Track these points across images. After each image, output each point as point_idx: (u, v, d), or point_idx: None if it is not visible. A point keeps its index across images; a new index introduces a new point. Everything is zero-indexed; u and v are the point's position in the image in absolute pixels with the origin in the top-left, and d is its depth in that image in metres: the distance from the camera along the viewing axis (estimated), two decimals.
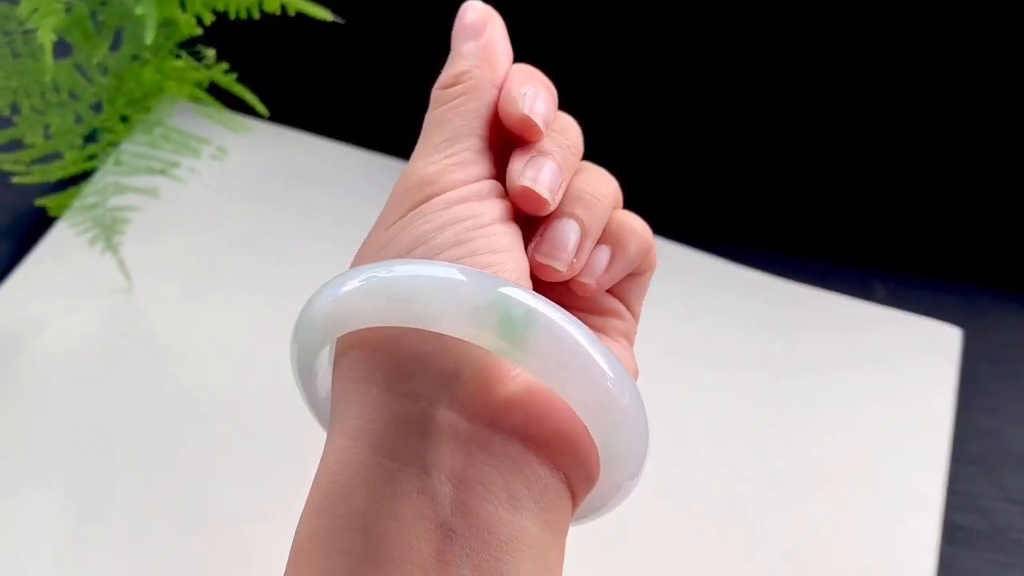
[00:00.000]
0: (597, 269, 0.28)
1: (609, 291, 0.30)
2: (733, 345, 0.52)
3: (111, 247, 0.51)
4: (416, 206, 0.26)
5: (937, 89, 0.54)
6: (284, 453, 0.47)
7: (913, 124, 0.56)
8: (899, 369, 0.52)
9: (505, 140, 0.29)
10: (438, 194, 0.27)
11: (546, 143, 0.28)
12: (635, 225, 0.29)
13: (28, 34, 0.46)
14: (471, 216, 0.26)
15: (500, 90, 0.29)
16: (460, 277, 0.24)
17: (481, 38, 0.29)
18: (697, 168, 0.59)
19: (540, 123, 0.27)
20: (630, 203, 0.30)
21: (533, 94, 0.28)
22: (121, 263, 0.51)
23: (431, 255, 0.25)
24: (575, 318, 0.24)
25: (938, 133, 0.55)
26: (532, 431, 0.24)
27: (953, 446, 0.49)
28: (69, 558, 0.44)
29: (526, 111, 0.27)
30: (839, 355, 0.53)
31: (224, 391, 0.49)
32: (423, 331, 0.24)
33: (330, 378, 0.27)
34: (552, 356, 0.23)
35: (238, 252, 0.55)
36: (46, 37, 0.43)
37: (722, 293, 0.55)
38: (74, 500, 0.46)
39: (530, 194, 0.27)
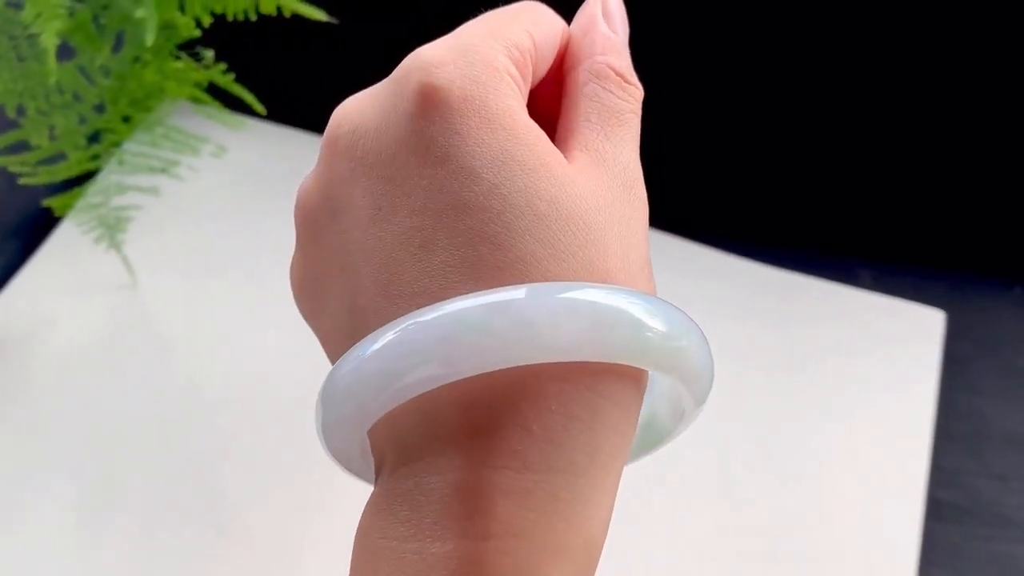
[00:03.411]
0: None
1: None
2: (721, 332, 0.53)
3: (115, 245, 0.52)
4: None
5: (917, 77, 0.55)
6: (290, 444, 0.48)
7: (894, 112, 0.57)
8: (885, 352, 0.53)
9: None
10: None
11: None
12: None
13: (32, 38, 0.47)
14: None
15: None
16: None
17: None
18: (683, 159, 0.60)
19: None
20: None
21: None
22: (125, 260, 0.53)
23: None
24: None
25: (919, 120, 0.56)
26: None
27: (937, 425, 0.51)
28: (80, 550, 0.45)
29: None
30: (826, 339, 0.54)
31: (229, 383, 0.51)
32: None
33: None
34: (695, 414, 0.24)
35: (238, 247, 0.57)
36: (50, 41, 0.44)
37: (709, 281, 0.56)
38: (84, 492, 0.47)
39: None
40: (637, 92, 0.26)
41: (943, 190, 0.58)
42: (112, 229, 0.51)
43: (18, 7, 0.47)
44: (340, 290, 0.24)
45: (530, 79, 0.24)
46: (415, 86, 0.22)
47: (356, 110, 0.24)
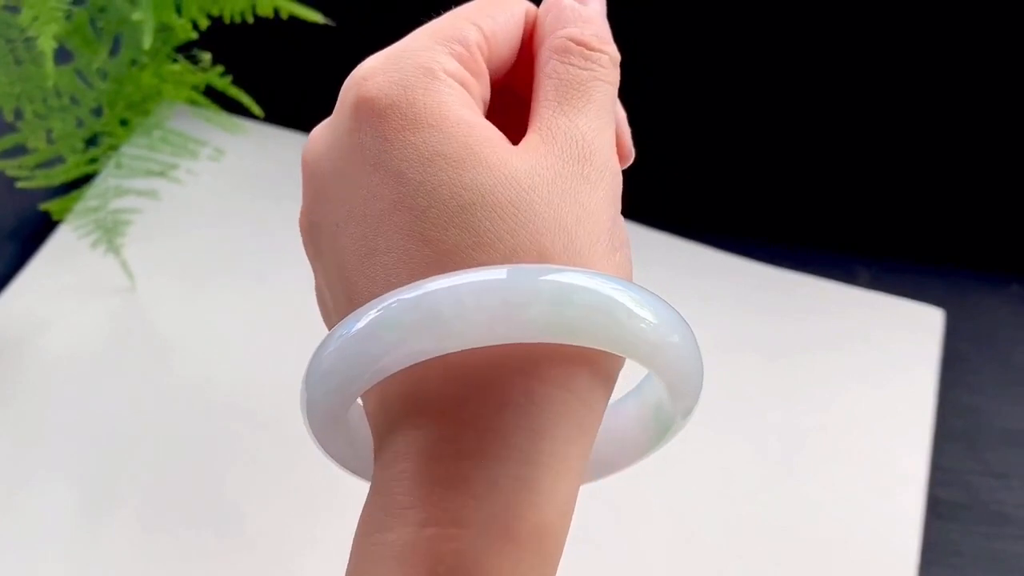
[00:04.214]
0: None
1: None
2: (722, 331, 0.54)
3: (113, 248, 0.52)
4: (619, 215, 0.25)
5: (915, 75, 0.55)
6: (290, 447, 0.48)
7: (892, 110, 0.57)
8: (884, 350, 0.53)
9: None
10: None
11: None
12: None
13: (30, 41, 0.47)
14: None
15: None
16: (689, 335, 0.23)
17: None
18: (682, 158, 0.60)
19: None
20: None
21: None
22: (124, 264, 0.53)
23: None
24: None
25: (917, 119, 0.56)
26: None
27: (936, 423, 0.51)
28: (79, 552, 0.45)
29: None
30: (825, 338, 0.54)
31: (228, 386, 0.51)
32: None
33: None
34: (689, 412, 0.25)
35: (237, 250, 0.57)
36: (47, 44, 0.44)
37: (710, 280, 0.56)
38: (82, 495, 0.47)
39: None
40: (603, 57, 0.25)
41: (941, 188, 0.58)
42: (110, 233, 0.51)
43: (15, 10, 0.47)
44: (329, 307, 0.25)
45: (484, 69, 0.25)
46: (351, 101, 0.24)
47: (315, 135, 0.25)
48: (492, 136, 0.23)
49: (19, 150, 0.50)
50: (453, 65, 0.24)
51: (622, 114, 0.27)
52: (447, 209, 0.22)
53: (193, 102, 0.53)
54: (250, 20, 0.49)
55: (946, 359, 0.53)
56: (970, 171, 0.57)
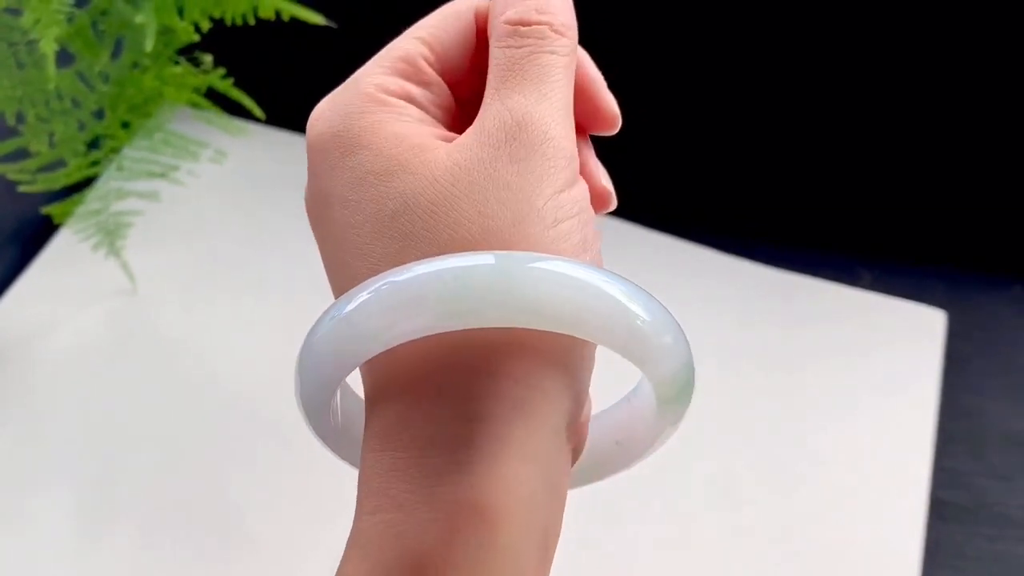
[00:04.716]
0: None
1: None
2: (722, 333, 0.54)
3: (115, 251, 0.52)
4: (567, 188, 0.24)
5: (917, 77, 0.55)
6: (291, 449, 0.48)
7: (894, 112, 0.57)
8: (886, 352, 0.53)
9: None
10: (579, 181, 0.25)
11: None
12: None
13: (31, 44, 0.47)
14: (592, 215, 0.25)
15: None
16: (676, 334, 0.23)
17: None
18: (683, 159, 0.60)
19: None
20: (618, 194, 0.32)
21: None
22: (125, 266, 0.53)
23: (593, 259, 0.24)
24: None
25: (919, 120, 0.56)
26: (581, 438, 0.25)
27: (939, 425, 0.51)
28: (80, 556, 0.45)
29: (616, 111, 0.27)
30: (827, 341, 0.54)
31: (230, 389, 0.51)
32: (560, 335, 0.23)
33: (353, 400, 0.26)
34: (681, 416, 0.25)
35: (239, 252, 0.57)
36: (49, 47, 0.44)
37: (709, 281, 0.56)
38: (84, 499, 0.47)
39: (610, 199, 0.27)
40: (542, 29, 0.25)
41: (943, 190, 0.58)
42: (111, 235, 0.51)
43: (17, 13, 0.47)
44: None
45: (433, 76, 0.26)
46: (307, 144, 0.25)
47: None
48: (424, 143, 0.24)
49: (21, 154, 0.50)
50: (393, 83, 0.25)
51: (594, 75, 0.27)
52: (378, 222, 0.23)
53: (195, 104, 0.53)
54: (252, 22, 0.49)
55: (948, 361, 0.53)
56: (972, 172, 0.57)
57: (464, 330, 0.22)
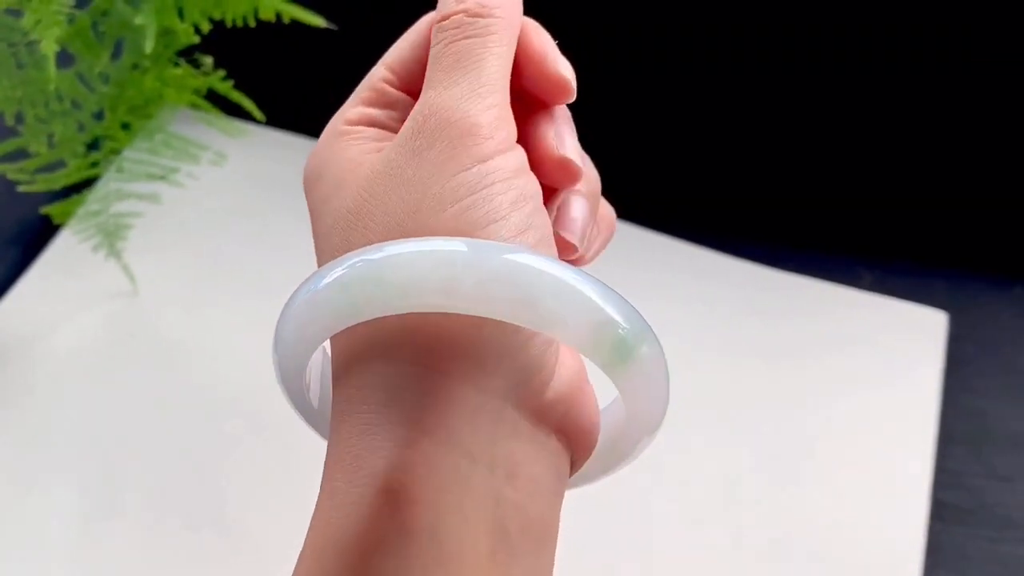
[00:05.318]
0: (593, 250, 0.29)
1: None
2: (724, 333, 0.54)
3: (114, 252, 0.52)
4: (475, 164, 0.24)
5: (917, 77, 0.55)
6: (291, 451, 0.48)
7: (895, 112, 0.57)
8: (887, 353, 0.53)
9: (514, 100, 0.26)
10: (499, 153, 0.24)
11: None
12: (613, 216, 0.30)
13: (32, 45, 0.47)
14: (535, 193, 0.25)
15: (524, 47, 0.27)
16: (583, 286, 0.23)
17: None
18: (683, 160, 0.60)
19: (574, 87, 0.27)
20: (618, 193, 0.31)
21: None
22: (125, 268, 0.53)
23: (509, 236, 0.23)
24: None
25: (919, 120, 0.56)
26: (568, 427, 0.24)
27: (940, 426, 0.51)
28: (81, 557, 0.45)
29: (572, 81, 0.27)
30: (829, 341, 0.54)
31: (230, 390, 0.50)
32: (493, 321, 0.23)
33: (328, 375, 0.27)
34: (645, 385, 0.24)
35: (239, 254, 0.57)
36: (49, 48, 0.44)
37: (709, 282, 0.56)
38: (85, 499, 0.47)
39: (571, 168, 0.27)
40: (457, 17, 0.26)
41: (944, 191, 0.58)
42: (111, 237, 0.51)
43: (17, 14, 0.47)
44: None
45: (397, 95, 0.27)
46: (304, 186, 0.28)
47: None
48: (361, 159, 0.26)
49: (20, 154, 0.50)
50: (356, 112, 0.27)
51: (538, 45, 0.27)
52: (325, 238, 0.25)
53: (195, 106, 0.53)
54: (252, 24, 0.49)
55: (950, 362, 0.53)
56: (974, 173, 0.57)
57: (371, 320, 0.23)
